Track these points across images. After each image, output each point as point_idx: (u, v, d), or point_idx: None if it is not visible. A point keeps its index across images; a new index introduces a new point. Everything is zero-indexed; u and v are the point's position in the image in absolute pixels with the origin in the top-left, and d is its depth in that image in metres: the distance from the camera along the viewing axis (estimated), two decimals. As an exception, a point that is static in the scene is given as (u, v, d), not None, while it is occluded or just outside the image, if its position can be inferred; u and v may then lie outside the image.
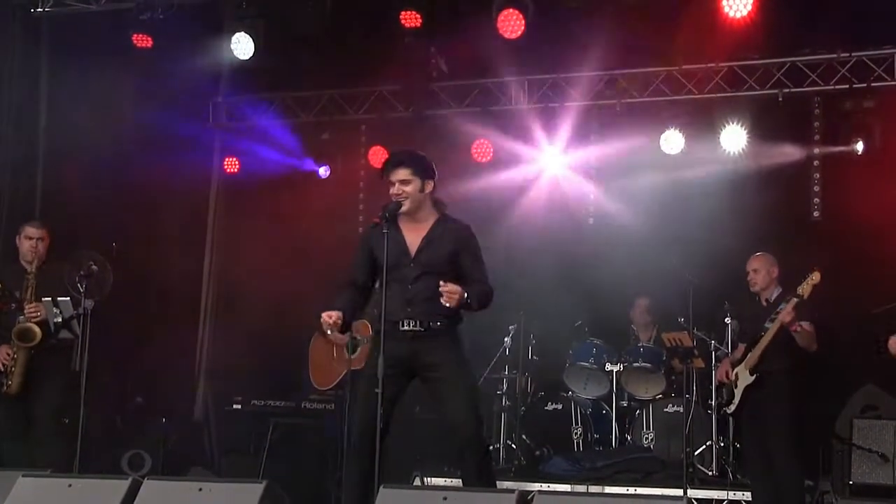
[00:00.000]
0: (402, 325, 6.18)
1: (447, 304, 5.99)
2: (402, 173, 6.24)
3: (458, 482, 6.90)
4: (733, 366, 8.24)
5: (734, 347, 8.93)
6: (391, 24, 9.60)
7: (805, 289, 7.54)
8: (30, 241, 8.17)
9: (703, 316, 9.42)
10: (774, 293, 8.10)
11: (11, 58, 9.94)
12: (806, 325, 7.70)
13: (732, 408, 8.18)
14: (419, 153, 6.39)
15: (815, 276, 7.52)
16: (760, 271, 8.15)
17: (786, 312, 7.59)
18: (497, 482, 6.70)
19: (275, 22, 9.94)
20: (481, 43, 9.98)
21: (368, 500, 5.71)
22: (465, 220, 6.48)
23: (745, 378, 8.00)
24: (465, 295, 6.05)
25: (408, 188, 6.23)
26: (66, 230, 8.82)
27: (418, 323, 6.18)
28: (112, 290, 8.52)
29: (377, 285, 6.36)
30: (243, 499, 5.33)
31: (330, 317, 6.14)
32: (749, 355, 7.98)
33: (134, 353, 10.49)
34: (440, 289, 5.99)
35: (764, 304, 8.13)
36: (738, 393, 8.08)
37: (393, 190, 6.24)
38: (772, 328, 7.75)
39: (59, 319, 7.92)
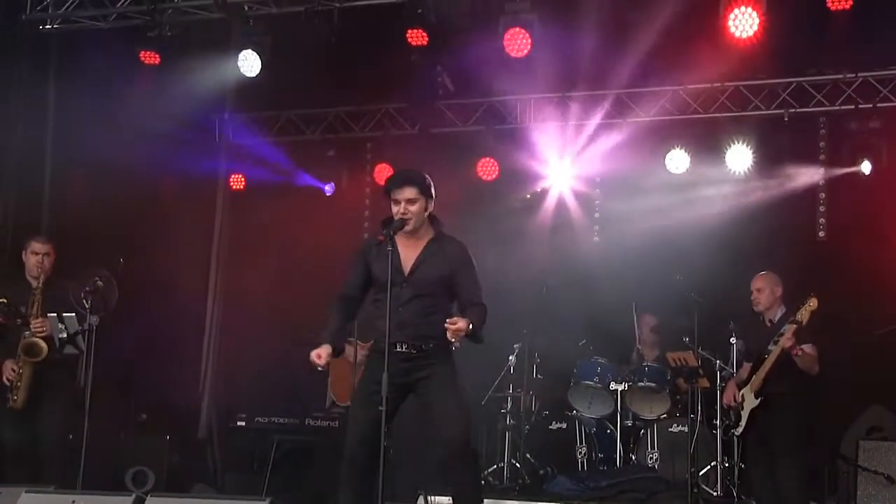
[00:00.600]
0: (397, 347, 6.18)
1: (453, 341, 5.97)
2: (410, 192, 6.24)
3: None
4: (739, 387, 8.23)
5: (739, 367, 8.92)
6: (397, 42, 9.63)
7: (803, 314, 7.55)
8: (36, 257, 8.19)
9: (708, 335, 9.40)
10: (778, 313, 8.10)
11: (19, 74, 10.00)
12: (808, 347, 7.70)
13: (740, 430, 8.18)
14: (422, 173, 6.40)
15: (813, 303, 7.53)
16: (764, 290, 8.15)
17: (786, 338, 7.60)
18: (501, 501, 6.68)
19: (281, 39, 9.98)
20: (487, 61, 10.01)
21: None
22: (469, 238, 6.48)
23: (750, 401, 8.00)
24: (470, 326, 6.01)
25: (413, 207, 6.23)
26: (72, 246, 8.83)
27: (411, 346, 6.20)
28: (117, 307, 8.54)
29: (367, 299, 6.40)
30: (247, 516, 5.33)
31: (319, 357, 6.14)
32: (753, 378, 7.98)
33: (138, 369, 10.49)
34: (447, 326, 5.95)
35: (768, 324, 8.13)
36: (744, 415, 8.08)
37: (398, 208, 6.23)
38: (774, 351, 7.75)
39: (65, 335, 7.94)
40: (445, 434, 6.14)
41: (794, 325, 7.58)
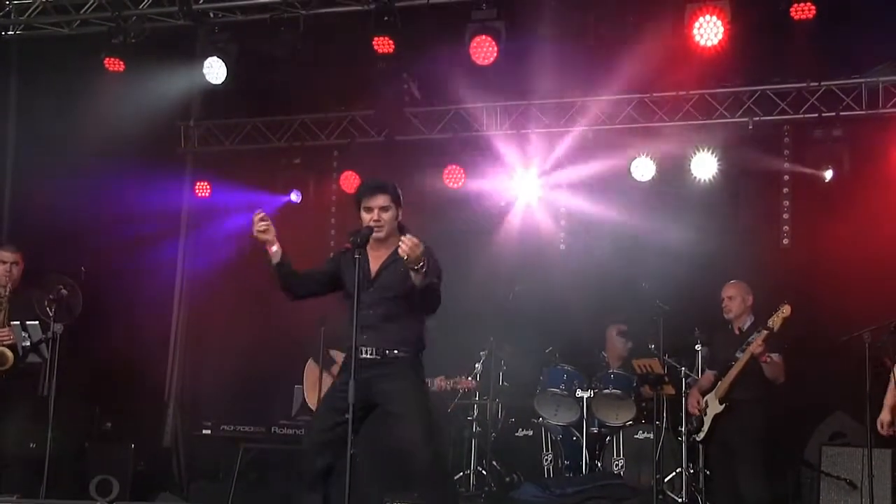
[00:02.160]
0: (362, 353, 6.15)
1: (403, 254, 5.87)
2: (383, 200, 6.25)
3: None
4: (703, 394, 8.27)
5: (702, 374, 8.96)
6: (364, 50, 9.63)
7: (775, 321, 7.59)
8: (3, 266, 8.16)
9: (674, 343, 9.45)
10: (747, 322, 8.15)
11: (-20, 81, 9.93)
12: (775, 356, 7.74)
13: (701, 435, 8.23)
14: (391, 181, 6.41)
15: (786, 310, 7.57)
16: (736, 299, 8.18)
17: (756, 345, 7.64)
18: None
19: (247, 47, 9.95)
20: (454, 69, 10.03)
21: None
22: (434, 246, 6.47)
23: (714, 406, 8.05)
24: (422, 252, 5.90)
25: (386, 215, 6.24)
26: (34, 254, 8.76)
27: (374, 350, 6.17)
28: (81, 315, 8.48)
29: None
30: (212, 525, 5.30)
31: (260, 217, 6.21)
32: (719, 384, 8.02)
33: (103, 377, 10.42)
34: (401, 240, 5.89)
35: (736, 332, 8.16)
36: (707, 421, 8.12)
37: (370, 216, 6.23)
38: (742, 358, 7.79)
39: (28, 343, 7.88)
40: (413, 460, 6.13)
41: (766, 332, 7.62)
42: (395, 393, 6.17)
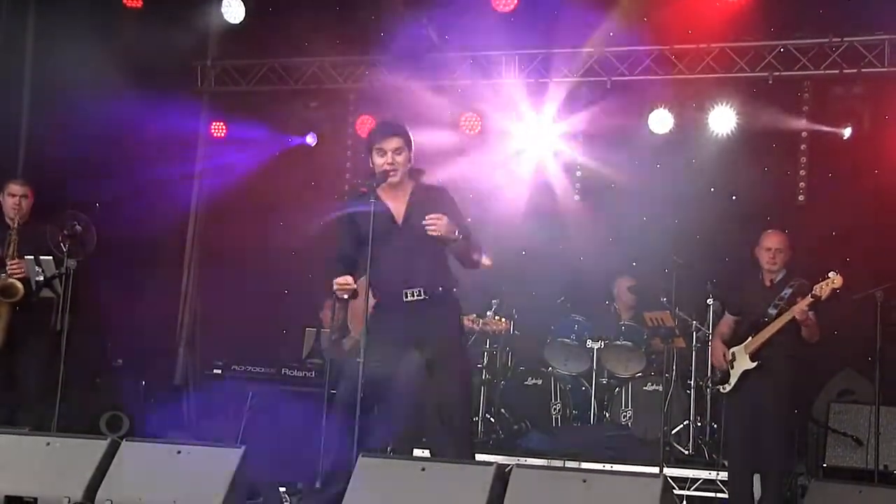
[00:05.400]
0: (406, 297, 6.20)
1: (433, 232, 5.99)
2: (397, 142, 6.25)
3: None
4: (728, 345, 8.06)
5: (714, 326, 8.91)
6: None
7: (823, 290, 7.30)
8: (13, 199, 8.16)
9: (685, 296, 9.43)
10: (780, 275, 7.94)
11: (-1, 10, 9.89)
12: (812, 315, 7.61)
13: (728, 387, 8.03)
14: (403, 124, 6.42)
15: (838, 281, 7.30)
16: (784, 251, 7.87)
17: (800, 311, 7.46)
18: (476, 455, 6.72)
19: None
20: (474, 15, 9.95)
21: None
22: (451, 192, 6.49)
23: (744, 362, 7.83)
24: (455, 229, 6.08)
25: (400, 158, 6.24)
26: (49, 190, 8.78)
27: (421, 291, 6.20)
28: (95, 251, 8.51)
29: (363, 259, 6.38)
30: (222, 463, 5.34)
31: (347, 282, 6.12)
32: (750, 340, 7.81)
33: (115, 314, 10.46)
34: (424, 221, 6.01)
35: (767, 283, 7.93)
36: (734, 374, 7.94)
37: (384, 159, 6.22)
38: (781, 318, 7.60)
39: (41, 278, 7.91)
40: (444, 409, 6.21)
41: (812, 299, 7.44)
42: (440, 339, 6.22)
